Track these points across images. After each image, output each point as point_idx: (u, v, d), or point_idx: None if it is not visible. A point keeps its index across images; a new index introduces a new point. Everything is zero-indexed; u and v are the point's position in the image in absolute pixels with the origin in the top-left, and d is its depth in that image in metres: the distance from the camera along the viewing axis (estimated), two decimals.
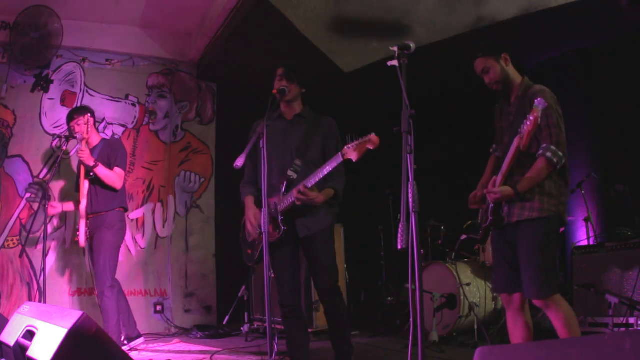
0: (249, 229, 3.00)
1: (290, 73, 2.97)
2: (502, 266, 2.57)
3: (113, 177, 3.92)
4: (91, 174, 3.88)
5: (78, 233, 3.93)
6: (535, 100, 2.23)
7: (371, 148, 2.61)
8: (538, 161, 2.40)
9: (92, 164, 3.82)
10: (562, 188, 2.49)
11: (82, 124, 4.03)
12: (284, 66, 3.00)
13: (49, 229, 4.83)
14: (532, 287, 2.37)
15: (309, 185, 2.75)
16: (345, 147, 2.66)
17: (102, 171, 3.86)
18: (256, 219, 2.94)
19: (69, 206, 4.23)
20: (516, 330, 2.52)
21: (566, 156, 2.41)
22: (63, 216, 5.07)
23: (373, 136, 2.60)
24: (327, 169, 2.73)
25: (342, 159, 2.69)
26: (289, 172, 2.88)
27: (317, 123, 3.01)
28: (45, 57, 5.04)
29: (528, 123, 2.24)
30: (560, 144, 2.39)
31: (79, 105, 5.22)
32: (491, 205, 2.52)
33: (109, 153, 4.00)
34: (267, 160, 2.89)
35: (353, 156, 2.63)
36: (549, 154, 2.37)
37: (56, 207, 4.18)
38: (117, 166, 3.96)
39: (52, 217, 4.08)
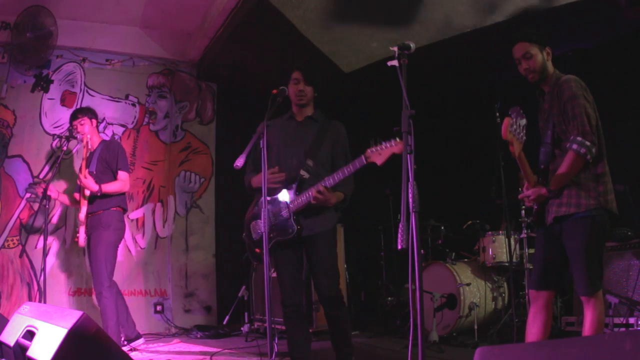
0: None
1: (309, 76, 2.97)
2: (538, 264, 2.58)
3: (118, 186, 3.94)
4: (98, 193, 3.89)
5: (78, 235, 3.97)
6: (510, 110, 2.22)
7: (397, 152, 2.54)
8: (567, 155, 2.37)
9: (96, 189, 3.84)
10: (599, 178, 2.40)
11: (86, 125, 4.04)
12: (301, 69, 2.98)
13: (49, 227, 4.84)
14: (580, 285, 2.38)
15: (329, 186, 2.74)
16: (369, 150, 2.62)
17: (107, 188, 3.89)
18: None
19: (65, 199, 4.23)
20: (534, 327, 2.51)
21: (595, 144, 2.34)
22: (63, 216, 5.08)
23: (398, 141, 2.54)
24: (349, 169, 2.70)
25: (365, 162, 2.65)
26: (302, 172, 2.87)
27: (327, 126, 3.02)
28: (41, 57, 5.02)
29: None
30: (587, 134, 2.32)
31: (79, 105, 5.22)
32: (535, 206, 2.52)
33: (108, 157, 3.99)
34: (278, 160, 2.91)
35: (378, 160, 2.59)
36: (575, 146, 2.33)
37: (55, 192, 4.15)
38: (120, 169, 3.97)
39: (50, 200, 4.11)
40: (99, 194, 3.87)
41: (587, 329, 2.36)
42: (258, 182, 2.94)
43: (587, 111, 2.37)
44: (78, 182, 3.96)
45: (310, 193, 2.77)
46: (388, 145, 2.57)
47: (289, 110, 3.07)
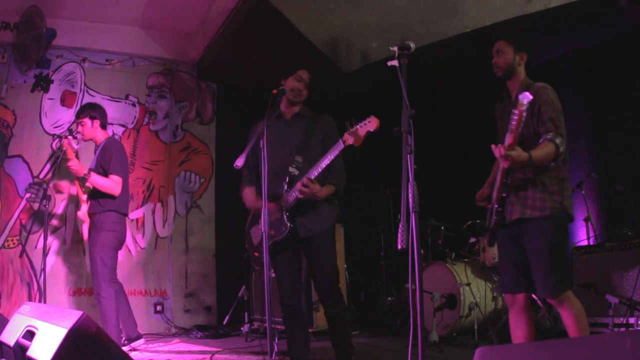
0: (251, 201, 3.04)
1: (312, 81, 3.01)
2: (508, 266, 2.57)
3: (108, 184, 3.84)
4: (87, 183, 3.86)
5: (82, 232, 4.04)
6: (520, 95, 2.15)
7: (371, 130, 2.59)
8: (546, 143, 2.36)
9: (83, 174, 3.79)
10: (564, 182, 2.48)
11: (86, 125, 4.03)
12: (310, 72, 3.02)
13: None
14: (545, 287, 2.37)
15: (312, 177, 2.74)
16: (346, 134, 2.65)
17: (95, 180, 3.82)
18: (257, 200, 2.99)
19: (74, 190, 4.21)
20: (518, 329, 2.52)
21: (567, 149, 2.41)
22: (63, 216, 5.07)
23: (372, 118, 2.60)
24: (329, 157, 2.73)
25: (343, 146, 2.68)
26: (291, 169, 2.88)
27: (316, 121, 3.02)
28: (32, 58, 4.99)
29: (514, 117, 2.18)
30: (564, 137, 2.39)
31: (79, 105, 5.20)
32: (495, 206, 2.51)
33: (102, 160, 3.92)
34: (270, 160, 2.90)
35: (355, 142, 2.62)
36: (558, 140, 2.36)
37: (64, 187, 4.12)
38: (112, 173, 3.87)
39: (50, 200, 4.11)
40: (90, 186, 3.84)
41: (571, 330, 2.35)
42: (250, 203, 3.04)
43: (561, 118, 2.44)
44: (67, 166, 3.86)
45: (296, 188, 2.77)
46: (362, 124, 2.60)
47: (277, 109, 3.05)
